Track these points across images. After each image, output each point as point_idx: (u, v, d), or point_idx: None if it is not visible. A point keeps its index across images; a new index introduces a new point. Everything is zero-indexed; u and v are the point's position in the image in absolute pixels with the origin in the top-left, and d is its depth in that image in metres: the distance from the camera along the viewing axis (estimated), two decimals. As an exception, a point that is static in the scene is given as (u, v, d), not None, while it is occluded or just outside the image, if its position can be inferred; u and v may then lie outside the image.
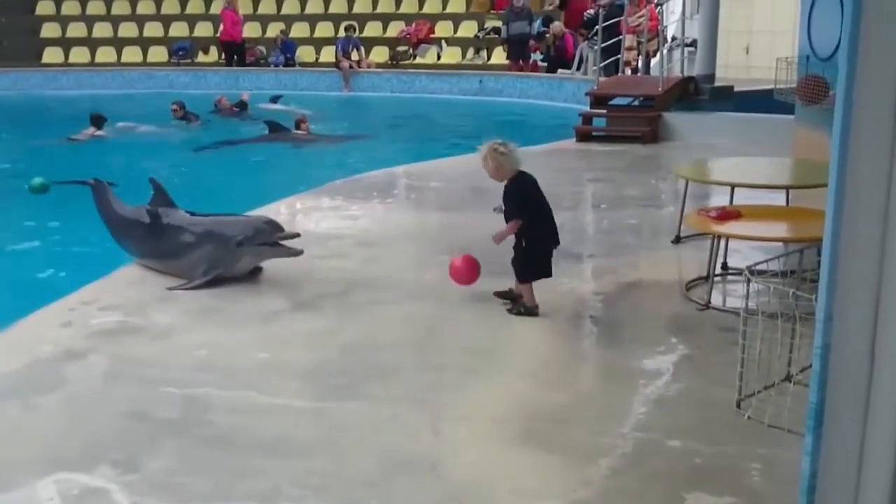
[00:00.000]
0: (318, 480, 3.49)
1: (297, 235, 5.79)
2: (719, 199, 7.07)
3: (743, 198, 6.49)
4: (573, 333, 5.21)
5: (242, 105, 17.48)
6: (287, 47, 22.35)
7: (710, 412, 4.05)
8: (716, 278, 5.71)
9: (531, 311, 5.28)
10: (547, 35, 19.36)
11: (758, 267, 4.39)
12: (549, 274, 5.34)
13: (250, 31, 22.96)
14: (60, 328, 5.12)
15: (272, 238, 5.75)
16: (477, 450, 3.75)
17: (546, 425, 3.96)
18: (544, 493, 3.40)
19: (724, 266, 5.95)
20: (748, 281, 4.02)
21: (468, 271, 5.42)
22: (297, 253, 5.72)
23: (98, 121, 14.43)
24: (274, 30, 22.84)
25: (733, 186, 6.30)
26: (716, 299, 5.51)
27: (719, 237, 5.57)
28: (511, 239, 5.28)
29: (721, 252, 5.85)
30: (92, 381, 4.44)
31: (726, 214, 5.52)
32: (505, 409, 4.11)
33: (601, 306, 5.56)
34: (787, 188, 6.46)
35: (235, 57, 21.99)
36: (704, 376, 4.48)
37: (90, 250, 7.11)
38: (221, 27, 22.02)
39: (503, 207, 5.27)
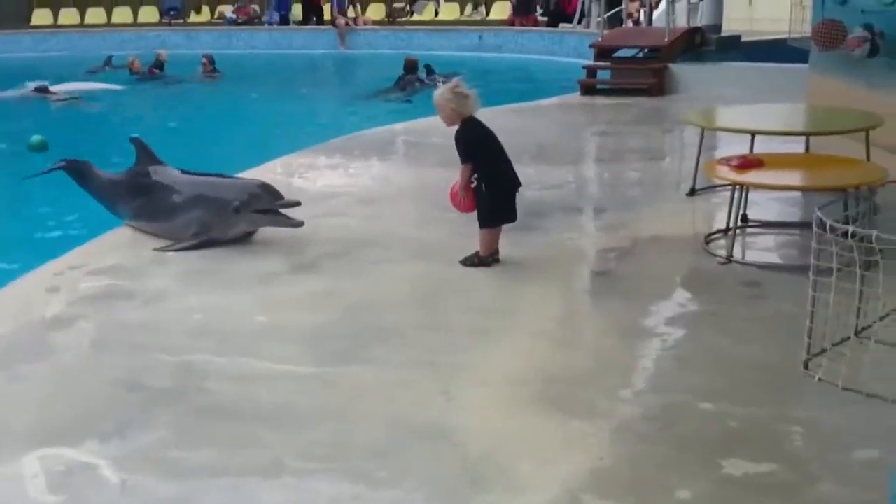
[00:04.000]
0: (323, 451, 3.24)
1: (298, 203, 5.46)
2: (732, 149, 6.78)
3: (759, 147, 6.22)
4: (587, 290, 4.98)
5: (160, 65, 17.29)
6: (281, 5, 21.96)
7: (739, 371, 3.81)
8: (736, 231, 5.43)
9: (484, 261, 5.06)
10: None
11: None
12: (513, 218, 5.14)
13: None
14: (47, 293, 4.87)
15: (270, 205, 5.47)
16: (493, 415, 3.50)
17: (565, 387, 3.71)
18: (567, 460, 3.15)
19: (745, 218, 5.67)
20: (819, 227, 3.47)
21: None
22: (298, 224, 5.43)
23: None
24: (269, -13, 22.43)
25: (754, 134, 6.02)
26: (736, 253, 5.24)
27: (740, 187, 5.28)
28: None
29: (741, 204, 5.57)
30: (80, 348, 4.20)
31: (748, 163, 5.25)
32: (520, 371, 3.85)
33: (615, 262, 5.31)
34: (808, 135, 6.16)
35: (314, 17, 21.53)
36: (729, 334, 4.22)
37: (79, 212, 6.85)
38: None
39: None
